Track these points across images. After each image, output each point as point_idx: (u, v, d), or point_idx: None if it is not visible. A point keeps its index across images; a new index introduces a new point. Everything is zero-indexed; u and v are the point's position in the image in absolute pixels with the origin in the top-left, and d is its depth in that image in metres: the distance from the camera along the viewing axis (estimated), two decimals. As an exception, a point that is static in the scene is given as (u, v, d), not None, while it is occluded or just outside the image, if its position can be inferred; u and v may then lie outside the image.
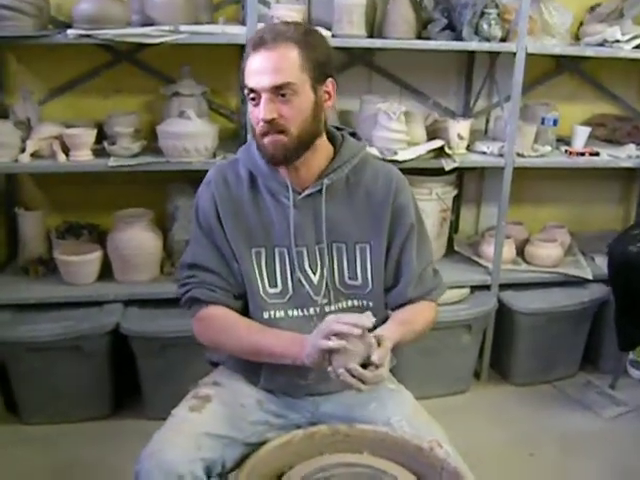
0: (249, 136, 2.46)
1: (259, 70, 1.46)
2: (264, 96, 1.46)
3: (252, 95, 1.49)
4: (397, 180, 1.68)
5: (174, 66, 2.75)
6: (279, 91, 1.45)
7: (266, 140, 1.50)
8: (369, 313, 1.44)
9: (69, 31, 2.32)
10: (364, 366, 1.40)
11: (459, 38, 2.66)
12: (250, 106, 1.51)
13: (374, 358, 1.40)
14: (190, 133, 2.49)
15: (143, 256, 2.68)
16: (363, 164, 1.65)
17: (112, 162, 2.47)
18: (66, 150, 2.49)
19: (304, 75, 1.47)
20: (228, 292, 1.61)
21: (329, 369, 1.40)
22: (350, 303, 1.64)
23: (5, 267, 2.81)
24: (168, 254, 2.80)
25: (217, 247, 1.61)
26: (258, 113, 1.48)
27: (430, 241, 1.76)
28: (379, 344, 1.43)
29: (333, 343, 1.37)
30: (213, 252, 1.61)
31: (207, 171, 1.68)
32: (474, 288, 2.88)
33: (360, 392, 1.40)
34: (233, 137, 2.88)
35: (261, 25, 2.35)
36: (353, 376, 1.38)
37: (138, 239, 2.66)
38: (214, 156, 2.57)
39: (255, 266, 1.60)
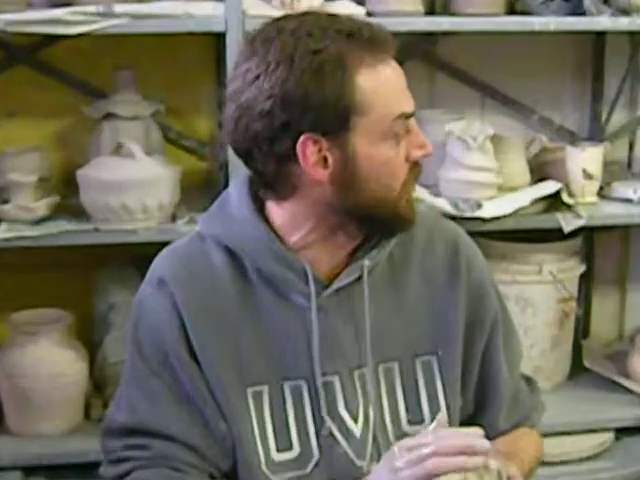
0: (233, 185, 2.14)
1: (403, 87, 1.46)
2: (413, 122, 1.47)
3: (401, 126, 1.45)
4: (465, 245, 1.64)
5: (105, 71, 2.60)
6: None
7: (409, 193, 1.51)
8: (478, 429, 1.41)
9: None
10: None
11: (577, 12, 2.51)
12: (386, 149, 1.44)
13: None
14: (134, 181, 2.35)
15: (56, 390, 2.49)
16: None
17: (4, 232, 2.35)
18: None
19: None
20: (202, 471, 1.49)
21: None
22: None
23: None
24: (98, 385, 2.59)
25: (181, 394, 1.49)
26: (412, 150, 1.48)
27: (518, 338, 1.74)
28: None
29: None
30: (172, 404, 1.49)
31: (162, 245, 1.57)
32: (621, 432, 2.68)
33: None
34: (205, 185, 2.73)
35: (252, 1, 2.37)
36: None
37: (47, 361, 2.47)
38: (173, 219, 2.40)
39: (254, 417, 1.50)
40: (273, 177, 1.46)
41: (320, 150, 1.41)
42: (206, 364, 1.48)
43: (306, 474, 1.51)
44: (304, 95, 1.39)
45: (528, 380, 1.72)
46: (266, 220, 1.52)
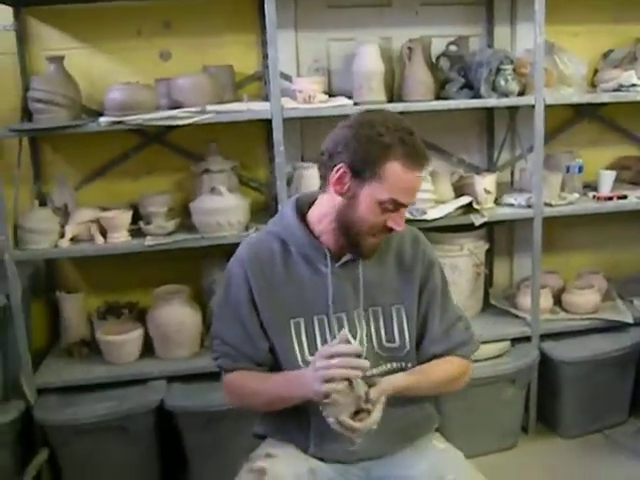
0: (280, 206, 2.58)
1: (414, 189, 1.58)
2: (403, 210, 1.60)
3: (391, 206, 1.57)
4: (423, 241, 1.80)
5: (202, 144, 2.89)
6: None
7: (373, 240, 1.62)
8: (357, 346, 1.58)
9: (101, 119, 2.52)
10: (357, 413, 1.52)
11: (477, 96, 2.80)
12: (374, 209, 1.56)
13: (366, 404, 1.51)
14: (222, 208, 2.65)
15: (183, 332, 2.80)
16: None
17: (148, 241, 2.62)
18: (104, 232, 2.66)
19: None
20: (251, 361, 1.71)
21: (324, 415, 1.53)
22: (390, 366, 1.72)
23: (49, 350, 2.92)
24: (207, 328, 2.81)
25: (243, 325, 1.70)
26: (390, 221, 1.58)
27: (453, 300, 1.84)
28: (371, 385, 1.55)
29: (326, 400, 1.47)
30: (238, 329, 1.70)
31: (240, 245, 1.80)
32: (514, 341, 2.93)
33: (353, 445, 1.54)
34: (264, 209, 3.00)
35: (286, 100, 2.63)
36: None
37: (177, 315, 2.78)
38: (247, 229, 2.71)
39: (294, 337, 1.68)
40: (324, 176, 1.62)
41: (344, 177, 1.56)
42: (262, 310, 1.69)
43: None
44: (358, 149, 1.53)
45: (467, 328, 1.79)
46: (305, 223, 1.68)
